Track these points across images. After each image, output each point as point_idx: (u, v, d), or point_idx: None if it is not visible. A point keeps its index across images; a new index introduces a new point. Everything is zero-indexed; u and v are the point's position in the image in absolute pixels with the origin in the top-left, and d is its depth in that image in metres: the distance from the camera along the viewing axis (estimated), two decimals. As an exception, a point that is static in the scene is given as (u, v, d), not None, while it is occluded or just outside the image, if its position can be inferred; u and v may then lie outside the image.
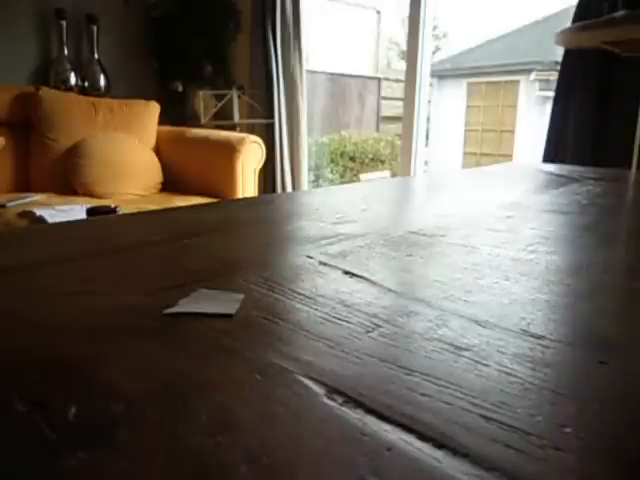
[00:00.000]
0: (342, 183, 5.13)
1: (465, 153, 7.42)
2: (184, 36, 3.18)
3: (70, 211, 2.06)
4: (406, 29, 2.71)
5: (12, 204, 2.22)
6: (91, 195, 2.49)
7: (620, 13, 1.36)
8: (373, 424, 0.25)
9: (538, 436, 0.24)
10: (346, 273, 0.47)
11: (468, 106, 7.44)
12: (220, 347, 0.32)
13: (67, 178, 2.54)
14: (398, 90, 5.14)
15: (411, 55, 2.70)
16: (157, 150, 2.87)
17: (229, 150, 2.60)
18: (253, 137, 2.71)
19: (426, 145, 3.15)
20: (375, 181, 2.26)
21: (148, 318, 0.36)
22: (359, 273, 0.47)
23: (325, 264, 0.49)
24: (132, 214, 0.78)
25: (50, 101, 2.66)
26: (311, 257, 0.52)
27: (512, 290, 0.43)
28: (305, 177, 3.22)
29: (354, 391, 0.27)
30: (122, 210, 1.94)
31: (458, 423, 0.25)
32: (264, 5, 3.00)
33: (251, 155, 2.66)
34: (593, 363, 0.31)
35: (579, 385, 0.29)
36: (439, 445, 0.23)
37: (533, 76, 6.53)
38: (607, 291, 0.45)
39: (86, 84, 3.02)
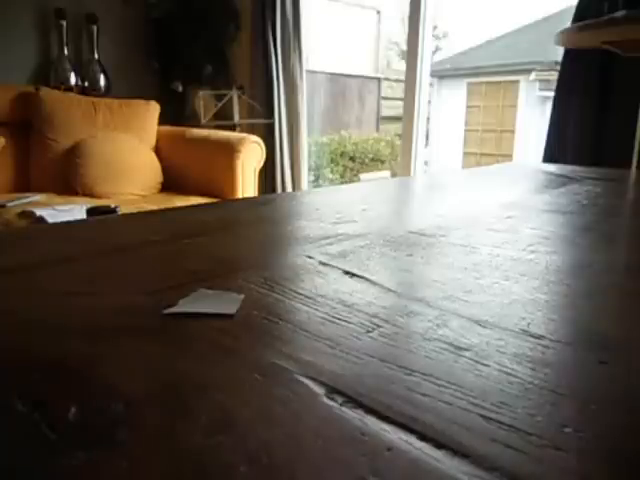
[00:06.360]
0: (342, 183, 5.13)
1: (465, 153, 7.42)
2: (184, 36, 3.18)
3: (70, 211, 2.06)
4: (406, 29, 2.71)
5: (12, 204, 2.22)
6: (91, 195, 2.49)
7: (620, 13, 1.36)
8: (373, 424, 0.25)
9: (538, 436, 0.24)
10: (346, 273, 0.47)
11: (468, 106, 7.44)
12: (220, 347, 0.32)
13: (67, 178, 2.54)
14: (398, 90, 5.14)
15: (411, 55, 2.70)
16: (157, 150, 2.87)
17: (229, 150, 2.60)
18: (253, 137, 2.71)
19: (426, 145, 3.15)
20: (375, 181, 2.26)
21: (148, 318, 0.36)
22: (359, 273, 0.47)
23: (325, 264, 0.49)
24: (132, 214, 0.78)
25: (50, 101, 2.66)
26: (311, 257, 0.52)
27: (512, 290, 0.43)
28: (305, 177, 3.22)
29: (354, 391, 0.27)
30: (122, 210, 1.94)
31: (458, 423, 0.25)
32: (264, 5, 3.00)
33: (251, 155, 2.66)
34: (593, 363, 0.31)
35: (579, 385, 0.29)
36: (439, 445, 0.23)
37: (533, 76, 6.52)
38: (607, 291, 0.45)
39: (86, 84, 3.02)
